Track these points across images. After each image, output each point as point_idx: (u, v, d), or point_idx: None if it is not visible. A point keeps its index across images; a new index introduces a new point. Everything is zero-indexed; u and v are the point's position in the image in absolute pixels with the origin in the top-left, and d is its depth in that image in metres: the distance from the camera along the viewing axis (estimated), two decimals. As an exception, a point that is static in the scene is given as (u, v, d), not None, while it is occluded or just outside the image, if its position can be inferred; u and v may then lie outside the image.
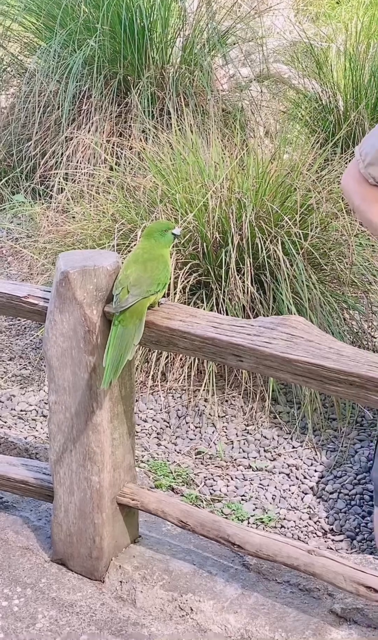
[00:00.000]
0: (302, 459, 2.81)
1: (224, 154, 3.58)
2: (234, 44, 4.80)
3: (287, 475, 2.75)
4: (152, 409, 3.02)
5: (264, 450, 2.86)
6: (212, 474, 2.76)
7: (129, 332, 1.95)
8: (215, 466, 2.81)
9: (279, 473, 2.76)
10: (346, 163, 3.73)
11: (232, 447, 2.89)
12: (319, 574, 1.98)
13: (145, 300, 1.97)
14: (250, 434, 2.94)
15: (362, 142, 2.59)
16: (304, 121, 4.46)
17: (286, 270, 3.07)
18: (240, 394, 3.08)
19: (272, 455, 2.84)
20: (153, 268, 2.01)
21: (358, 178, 2.56)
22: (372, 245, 3.38)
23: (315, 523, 2.55)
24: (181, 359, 3.10)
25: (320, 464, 2.79)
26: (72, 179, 3.97)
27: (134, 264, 2.02)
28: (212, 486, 2.71)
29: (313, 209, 3.27)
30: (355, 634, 1.96)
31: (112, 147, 4.06)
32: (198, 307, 3.08)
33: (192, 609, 2.06)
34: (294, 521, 2.56)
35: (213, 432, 2.95)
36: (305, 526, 2.54)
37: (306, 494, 2.67)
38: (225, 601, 2.07)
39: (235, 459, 2.83)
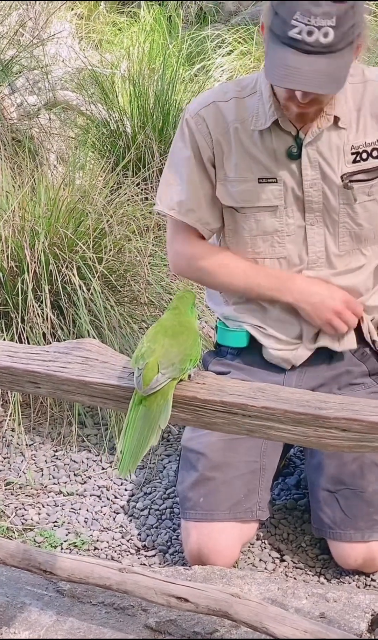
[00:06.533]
0: (112, 480, 2.84)
1: (15, 182, 3.58)
2: (19, 72, 4.81)
3: (98, 497, 2.77)
4: None
5: (74, 475, 2.87)
6: (22, 504, 2.74)
7: (153, 414, 1.71)
8: (26, 495, 2.79)
9: (90, 495, 2.77)
10: (136, 186, 3.82)
11: (42, 475, 2.88)
12: (131, 591, 2.01)
13: (174, 380, 1.74)
14: (60, 459, 2.95)
15: (158, 198, 2.45)
16: (95, 146, 4.52)
17: (83, 294, 3.10)
18: (47, 421, 3.08)
19: (82, 479, 2.85)
20: (185, 342, 1.79)
21: (183, 236, 2.42)
22: (165, 265, 3.47)
23: (128, 541, 2.58)
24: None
25: (130, 483, 2.82)
26: None
27: (162, 336, 1.80)
28: (23, 516, 2.69)
29: (106, 233, 3.32)
30: (170, 646, 2.01)
31: None
32: (-3, 337, 3.07)
33: (8, 642, 2.04)
34: (107, 542, 2.58)
35: (22, 461, 2.93)
36: (118, 545, 2.57)
37: (118, 513, 2.70)
38: (40, 629, 2.07)
39: (45, 486, 2.83)
